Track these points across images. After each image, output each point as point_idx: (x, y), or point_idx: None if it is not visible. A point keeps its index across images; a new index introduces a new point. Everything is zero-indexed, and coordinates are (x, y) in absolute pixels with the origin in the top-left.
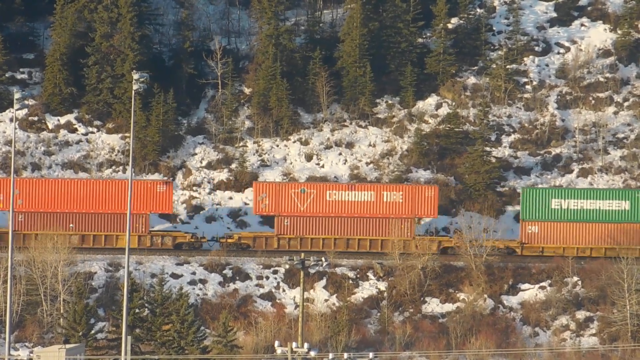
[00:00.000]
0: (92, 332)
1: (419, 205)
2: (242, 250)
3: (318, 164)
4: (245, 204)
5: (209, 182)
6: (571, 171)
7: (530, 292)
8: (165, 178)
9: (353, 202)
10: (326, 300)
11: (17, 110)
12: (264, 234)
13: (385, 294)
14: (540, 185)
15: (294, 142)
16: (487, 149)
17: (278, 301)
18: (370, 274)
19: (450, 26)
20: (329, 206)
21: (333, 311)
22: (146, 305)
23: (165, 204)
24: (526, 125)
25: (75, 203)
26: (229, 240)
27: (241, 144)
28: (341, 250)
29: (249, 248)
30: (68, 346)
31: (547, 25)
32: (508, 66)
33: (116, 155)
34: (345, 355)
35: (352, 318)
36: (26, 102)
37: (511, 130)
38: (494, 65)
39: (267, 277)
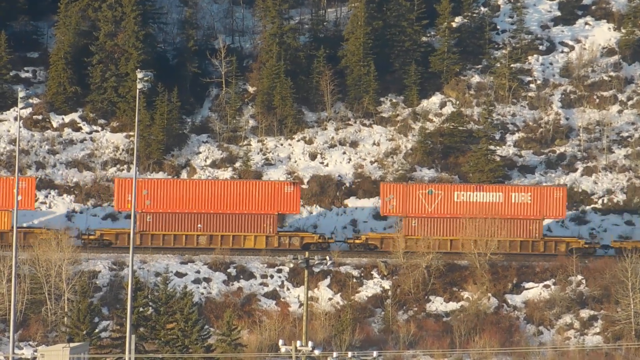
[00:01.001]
0: (96, 330)
1: (547, 206)
2: (370, 251)
3: (322, 163)
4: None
5: None
6: (575, 170)
7: (534, 291)
8: (291, 179)
9: (481, 202)
10: (330, 299)
11: (21, 109)
12: (391, 235)
13: (390, 293)
14: (544, 184)
15: (298, 140)
16: (491, 147)
17: (282, 300)
18: (374, 273)
19: (454, 25)
20: (456, 207)
21: (337, 310)
22: (150, 304)
23: (292, 205)
24: (530, 124)
25: (203, 203)
26: (356, 241)
27: (245, 142)
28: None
29: (376, 249)
30: (72, 345)
31: (551, 24)
32: (512, 65)
33: (120, 154)
34: (349, 354)
35: (356, 317)
36: (30, 100)
37: (515, 129)
38: (498, 64)
39: (272, 276)
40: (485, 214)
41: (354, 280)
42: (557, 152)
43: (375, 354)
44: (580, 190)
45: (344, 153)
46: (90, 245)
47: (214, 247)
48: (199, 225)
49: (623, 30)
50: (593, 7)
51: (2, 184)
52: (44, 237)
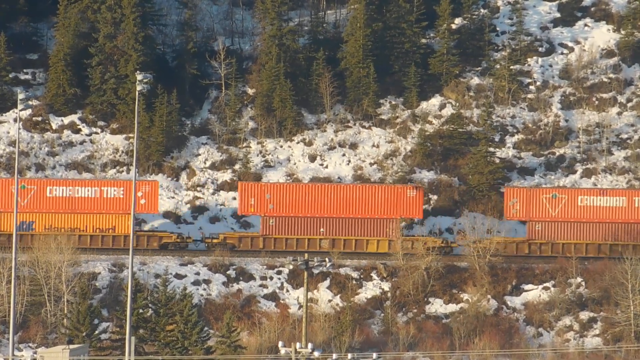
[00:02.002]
0: (96, 332)
1: None
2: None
3: (322, 165)
4: None
5: (212, 183)
6: (575, 172)
7: (534, 293)
8: (414, 184)
9: (604, 207)
10: (330, 301)
11: (20, 110)
12: (516, 240)
13: (389, 295)
14: (544, 186)
15: (298, 142)
16: (491, 149)
17: (282, 301)
18: (374, 275)
19: (453, 27)
20: (580, 211)
21: (337, 312)
22: (150, 305)
23: (415, 209)
24: (530, 125)
25: (326, 208)
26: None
27: (245, 144)
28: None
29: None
30: (72, 347)
31: (551, 25)
32: (512, 67)
33: (120, 155)
34: (349, 355)
35: (356, 318)
36: (30, 102)
37: (515, 130)
38: (497, 66)
39: (271, 278)
40: (609, 219)
41: (354, 282)
42: (557, 153)
43: (374, 355)
44: None
45: (344, 155)
46: (214, 249)
47: (336, 250)
48: (322, 230)
49: (622, 32)
50: (592, 9)
51: (128, 187)
52: (168, 240)
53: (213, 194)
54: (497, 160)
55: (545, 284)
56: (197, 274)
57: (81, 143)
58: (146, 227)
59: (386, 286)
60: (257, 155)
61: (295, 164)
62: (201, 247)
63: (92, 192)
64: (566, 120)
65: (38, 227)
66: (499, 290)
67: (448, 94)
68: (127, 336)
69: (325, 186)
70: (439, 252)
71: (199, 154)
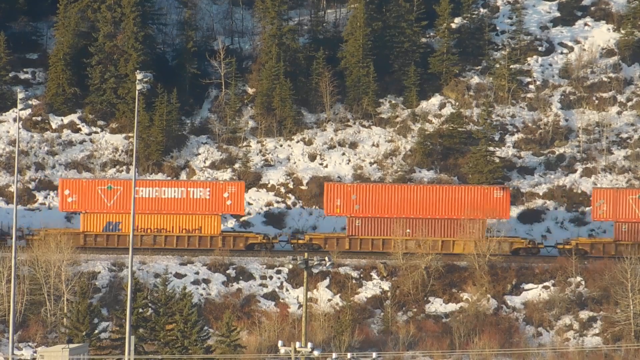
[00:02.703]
0: (96, 331)
1: None
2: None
3: (321, 164)
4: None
5: None
6: (575, 171)
7: (534, 292)
8: (503, 184)
9: None
10: (329, 300)
11: (20, 110)
12: (604, 240)
13: (389, 294)
14: (543, 185)
15: (298, 142)
16: (491, 148)
17: (281, 301)
18: (373, 274)
19: (453, 26)
20: None
21: (336, 311)
22: (150, 305)
23: (502, 210)
24: (530, 125)
25: (412, 208)
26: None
27: (244, 143)
28: None
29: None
30: (71, 346)
31: (551, 25)
32: (511, 66)
33: (120, 155)
34: (349, 355)
35: (356, 318)
36: (29, 102)
37: (515, 130)
38: (497, 65)
39: (271, 277)
40: None
41: (353, 281)
42: (557, 153)
43: (374, 355)
44: (579, 191)
45: (343, 154)
46: (300, 249)
47: (424, 252)
48: (408, 230)
49: (622, 31)
50: (592, 8)
51: (215, 188)
52: (254, 240)
53: None
54: (497, 160)
55: (545, 283)
56: (197, 273)
57: (81, 142)
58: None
59: (386, 285)
60: (257, 155)
61: (295, 163)
62: (287, 248)
63: (179, 193)
64: (566, 120)
65: (124, 228)
66: (499, 289)
67: (448, 93)
68: (126, 335)
69: (412, 187)
70: (526, 253)
71: (199, 153)
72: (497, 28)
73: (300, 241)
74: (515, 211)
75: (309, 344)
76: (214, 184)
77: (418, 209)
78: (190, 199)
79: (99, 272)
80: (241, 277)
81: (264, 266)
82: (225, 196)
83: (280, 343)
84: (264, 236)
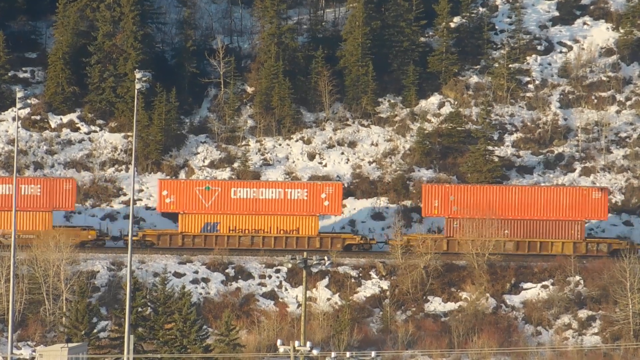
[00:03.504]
0: (95, 331)
1: None
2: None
3: (320, 163)
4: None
5: None
6: (573, 170)
7: (533, 291)
8: (601, 185)
9: None
10: (328, 299)
11: (19, 109)
12: None
13: (388, 293)
14: (542, 184)
15: (297, 141)
16: (490, 148)
17: (280, 300)
18: (372, 273)
19: (452, 25)
20: None
21: (335, 310)
22: (149, 304)
23: (600, 211)
24: (528, 124)
25: (510, 209)
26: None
27: (243, 143)
28: None
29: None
30: (70, 345)
31: (550, 24)
32: (510, 65)
33: (119, 154)
34: (348, 354)
35: (355, 317)
36: (28, 101)
37: (513, 129)
38: (496, 64)
39: (270, 276)
40: None
41: (352, 280)
42: (556, 152)
43: (373, 354)
44: None
45: (342, 153)
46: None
47: (521, 253)
48: (506, 231)
49: (621, 30)
50: (591, 7)
51: (312, 189)
52: (352, 242)
53: None
54: (496, 159)
55: (544, 283)
56: (196, 272)
57: (80, 141)
58: (142, 226)
59: (385, 284)
60: (256, 154)
61: (294, 162)
62: (385, 249)
63: (276, 194)
64: (565, 119)
65: (222, 228)
66: (498, 288)
67: (447, 93)
68: (126, 334)
69: (509, 188)
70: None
71: (198, 153)
72: (496, 27)
73: (401, 242)
74: None
75: (308, 343)
76: (312, 185)
77: (516, 209)
78: (287, 200)
79: (98, 272)
80: (240, 276)
81: (263, 265)
82: (322, 197)
83: (279, 342)
84: (361, 237)
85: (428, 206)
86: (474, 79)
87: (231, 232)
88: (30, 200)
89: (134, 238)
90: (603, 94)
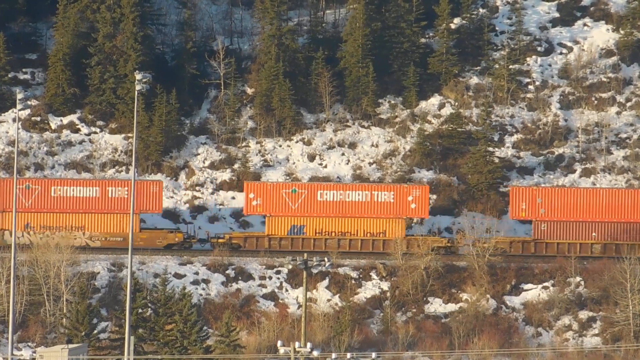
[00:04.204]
0: (95, 332)
1: None
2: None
3: (321, 164)
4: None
5: (211, 182)
6: (574, 171)
7: (533, 292)
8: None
9: None
10: (329, 300)
11: (20, 110)
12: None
13: (388, 294)
14: (543, 186)
15: (297, 142)
16: (490, 149)
17: (281, 301)
18: (373, 274)
19: (452, 26)
20: None
21: (336, 311)
22: (149, 305)
23: None
24: (529, 125)
25: (598, 211)
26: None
27: (244, 144)
28: None
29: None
30: (71, 346)
31: (550, 25)
32: (511, 66)
33: (119, 155)
34: (348, 355)
35: (355, 318)
36: (29, 102)
37: (514, 130)
38: (496, 66)
39: (270, 277)
40: None
41: (353, 281)
42: (556, 153)
43: (374, 355)
44: None
45: (343, 154)
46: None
47: (609, 256)
48: (594, 234)
49: (622, 32)
50: (592, 9)
51: (399, 192)
52: (439, 244)
53: (212, 193)
54: (496, 160)
55: (544, 284)
56: (196, 273)
57: (80, 143)
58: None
59: (385, 286)
60: (256, 155)
61: (294, 163)
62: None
63: (363, 197)
64: (565, 120)
65: (309, 231)
66: (498, 289)
67: (447, 94)
68: (126, 335)
69: (597, 190)
70: None
71: (198, 154)
72: (497, 28)
73: (485, 245)
74: None
75: (309, 344)
76: (399, 188)
77: (604, 212)
78: (374, 202)
79: (98, 273)
80: (240, 278)
81: (263, 266)
82: (409, 200)
83: (279, 343)
84: (448, 239)
85: (515, 209)
86: (475, 80)
87: (317, 234)
88: (117, 202)
89: (220, 240)
90: (603, 95)
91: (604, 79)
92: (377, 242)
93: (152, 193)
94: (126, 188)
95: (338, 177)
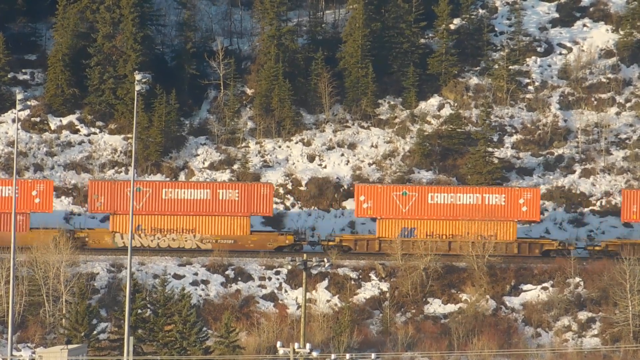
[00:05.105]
0: (95, 332)
1: None
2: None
3: (320, 165)
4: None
5: None
6: (573, 172)
7: (533, 293)
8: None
9: None
10: (328, 301)
11: (19, 111)
12: None
13: (388, 295)
14: (542, 186)
15: (296, 143)
16: (490, 149)
17: (280, 302)
18: (372, 275)
19: (452, 27)
20: None
21: (335, 312)
22: (148, 305)
23: None
24: (528, 125)
25: None
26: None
27: (243, 144)
28: None
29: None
30: (70, 347)
31: (549, 25)
32: (510, 67)
33: (118, 156)
34: (348, 355)
35: (354, 319)
36: (28, 103)
37: (513, 130)
38: (496, 66)
39: (270, 278)
40: None
41: (352, 282)
42: (555, 153)
43: (373, 356)
44: (578, 192)
45: (342, 155)
46: (597, 256)
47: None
48: None
49: (621, 32)
50: (591, 9)
51: (510, 194)
52: (550, 247)
53: None
54: (496, 160)
55: (543, 284)
56: (196, 274)
57: (80, 143)
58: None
59: (385, 286)
60: (256, 156)
61: (294, 164)
62: (584, 254)
63: (474, 199)
64: (565, 121)
65: (420, 233)
66: (498, 290)
67: (447, 94)
68: (125, 336)
69: None
70: None
71: (198, 154)
72: (496, 29)
73: (597, 247)
74: None
75: (308, 345)
76: (510, 190)
77: None
78: (484, 205)
79: (98, 273)
80: (240, 278)
81: (263, 267)
82: (520, 202)
83: (279, 344)
84: (559, 242)
85: (626, 211)
86: (474, 80)
87: (428, 237)
88: (228, 205)
89: (331, 243)
90: (603, 96)
91: (604, 80)
92: (488, 244)
93: (262, 195)
94: (237, 190)
95: (337, 178)
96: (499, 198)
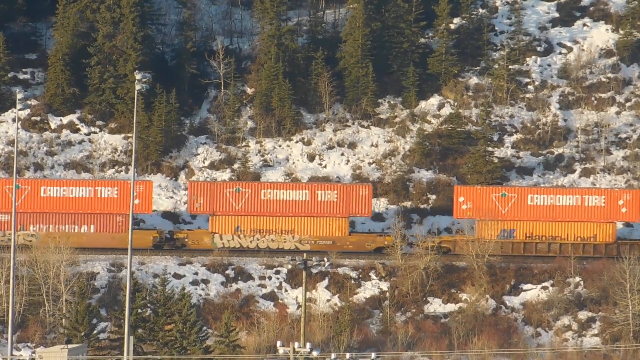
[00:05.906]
0: (95, 332)
1: None
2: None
3: (320, 164)
4: None
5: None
6: (573, 171)
7: (532, 293)
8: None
9: None
10: (328, 301)
11: (19, 110)
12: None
13: (388, 294)
14: (542, 186)
15: (297, 142)
16: (490, 149)
17: (280, 301)
18: (372, 274)
19: (452, 26)
20: None
21: (335, 311)
22: (149, 305)
23: None
24: (528, 125)
25: None
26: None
27: (243, 144)
28: None
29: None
30: (70, 346)
31: (549, 25)
32: (510, 66)
33: (119, 155)
34: (348, 355)
35: (354, 318)
36: (28, 102)
37: (513, 130)
38: (496, 66)
39: (270, 278)
40: None
41: (352, 281)
42: (555, 153)
43: (373, 355)
44: None
45: (342, 154)
46: None
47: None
48: None
49: (621, 32)
50: (591, 9)
51: (610, 196)
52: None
53: None
54: (496, 160)
55: (543, 284)
56: (196, 273)
57: (80, 143)
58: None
59: (385, 286)
60: (256, 155)
61: (294, 163)
62: None
63: (573, 200)
64: (565, 120)
65: (519, 235)
66: (498, 289)
67: (447, 94)
68: (125, 336)
69: None
70: None
71: (198, 154)
72: (496, 28)
73: None
74: None
75: (308, 344)
76: (610, 192)
77: None
78: (584, 207)
79: (98, 273)
80: (240, 278)
81: (263, 266)
82: (620, 204)
83: (279, 343)
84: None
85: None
86: (474, 80)
87: (527, 238)
88: (327, 206)
89: (430, 244)
90: (603, 95)
91: (604, 79)
92: (588, 246)
93: (361, 197)
94: (336, 191)
95: (337, 177)
96: (598, 199)
